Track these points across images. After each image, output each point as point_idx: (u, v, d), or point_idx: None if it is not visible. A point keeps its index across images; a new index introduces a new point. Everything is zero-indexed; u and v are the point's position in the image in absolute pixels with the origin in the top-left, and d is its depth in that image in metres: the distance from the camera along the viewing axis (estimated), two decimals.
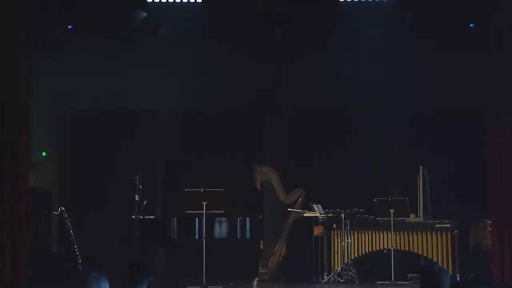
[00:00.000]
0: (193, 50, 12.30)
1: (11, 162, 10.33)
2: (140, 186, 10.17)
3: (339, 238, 11.01)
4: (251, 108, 13.00)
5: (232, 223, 10.05)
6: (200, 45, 12.26)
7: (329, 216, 11.22)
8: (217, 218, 10.00)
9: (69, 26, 11.80)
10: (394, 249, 10.78)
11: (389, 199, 10.91)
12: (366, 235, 11.04)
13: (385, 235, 10.91)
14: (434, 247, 10.76)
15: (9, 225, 10.23)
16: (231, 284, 10.47)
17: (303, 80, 12.73)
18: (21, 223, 10.31)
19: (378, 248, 10.99)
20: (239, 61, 12.48)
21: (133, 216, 10.25)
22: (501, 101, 10.40)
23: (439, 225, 10.83)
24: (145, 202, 10.30)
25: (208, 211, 9.77)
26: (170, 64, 12.51)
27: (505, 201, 10.24)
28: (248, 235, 10.06)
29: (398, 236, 10.87)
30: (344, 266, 10.83)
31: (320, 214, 11.28)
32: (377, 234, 11.00)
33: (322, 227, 11.25)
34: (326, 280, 10.92)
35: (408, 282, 10.76)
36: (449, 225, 10.81)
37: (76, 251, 10.88)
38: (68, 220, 10.31)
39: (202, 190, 9.86)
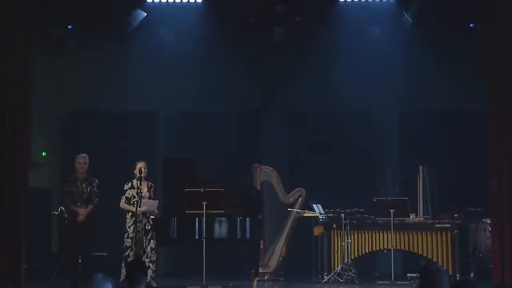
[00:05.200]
0: (193, 50, 12.29)
1: (11, 162, 10.34)
2: (140, 186, 10.15)
3: (339, 238, 11.00)
4: (251, 108, 13.01)
5: (232, 223, 10.03)
6: (200, 45, 12.26)
7: (329, 216, 11.22)
8: (217, 218, 9.98)
9: (69, 26, 11.80)
10: (394, 249, 10.77)
11: (389, 199, 10.90)
12: (366, 235, 11.03)
13: (385, 235, 10.89)
14: (434, 247, 10.75)
15: (9, 225, 10.24)
16: (231, 284, 10.46)
17: (303, 80, 12.74)
18: (21, 223, 10.31)
19: (378, 248, 10.98)
20: (239, 61, 12.49)
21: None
22: (501, 101, 10.40)
23: (439, 225, 10.82)
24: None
25: (208, 211, 9.76)
26: (170, 64, 12.52)
27: (505, 201, 10.24)
28: (248, 235, 10.03)
29: (398, 236, 10.86)
30: (344, 266, 10.83)
31: (320, 214, 11.27)
32: (377, 234, 10.99)
33: (322, 227, 11.24)
34: (326, 280, 10.91)
35: (408, 282, 10.76)
36: (449, 225, 10.80)
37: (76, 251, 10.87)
38: (68, 219, 10.30)
39: (202, 190, 9.85)
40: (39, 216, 11.95)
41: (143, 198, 10.14)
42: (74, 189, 10.33)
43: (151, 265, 10.00)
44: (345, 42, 12.09)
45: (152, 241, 10.08)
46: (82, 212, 10.25)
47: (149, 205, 10.08)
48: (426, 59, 12.32)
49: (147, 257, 10.00)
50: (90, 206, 10.33)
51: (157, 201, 10.13)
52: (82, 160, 10.41)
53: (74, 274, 10.08)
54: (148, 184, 10.29)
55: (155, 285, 10.03)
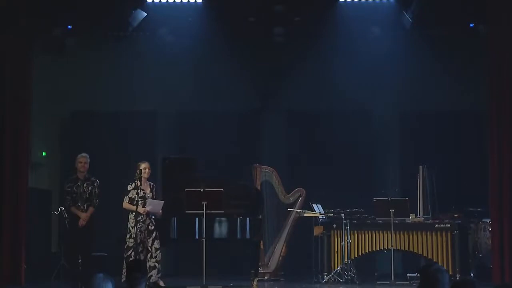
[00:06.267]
0: (193, 50, 12.29)
1: (11, 162, 10.34)
2: (140, 186, 10.15)
3: (339, 238, 11.00)
4: (251, 108, 13.02)
5: (232, 223, 10.03)
6: (199, 45, 12.26)
7: (329, 216, 11.21)
8: (217, 218, 9.98)
9: (69, 26, 11.80)
10: (394, 249, 10.76)
11: (389, 199, 10.89)
12: (366, 235, 11.02)
13: (385, 235, 10.89)
14: (434, 247, 10.74)
15: (9, 225, 10.24)
16: (231, 284, 10.46)
17: (303, 80, 12.74)
18: (21, 223, 10.32)
19: (378, 248, 10.97)
20: (239, 61, 12.49)
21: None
22: (501, 101, 10.40)
23: (439, 225, 10.82)
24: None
25: (208, 211, 9.76)
26: (170, 64, 12.52)
27: (505, 201, 10.25)
28: (248, 235, 10.04)
29: (398, 236, 10.85)
30: (344, 266, 10.82)
31: (320, 214, 11.27)
32: (377, 234, 10.98)
33: (322, 227, 11.23)
34: (326, 280, 10.91)
35: (408, 282, 10.76)
36: (449, 225, 10.79)
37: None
38: (68, 220, 10.31)
39: (202, 190, 9.85)
40: (39, 216, 11.95)
41: (148, 199, 10.14)
42: (74, 188, 10.34)
43: (157, 264, 9.99)
44: (345, 42, 12.08)
45: (156, 241, 10.07)
46: (83, 216, 10.25)
47: (154, 205, 10.06)
48: (426, 59, 12.31)
49: (152, 257, 10.00)
50: (91, 209, 10.34)
51: (163, 201, 10.12)
52: (83, 159, 10.42)
53: (74, 274, 10.08)
54: (150, 184, 10.29)
55: (163, 285, 10.01)
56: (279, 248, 11.68)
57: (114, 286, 4.87)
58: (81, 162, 10.41)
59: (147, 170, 10.11)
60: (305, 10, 11.75)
